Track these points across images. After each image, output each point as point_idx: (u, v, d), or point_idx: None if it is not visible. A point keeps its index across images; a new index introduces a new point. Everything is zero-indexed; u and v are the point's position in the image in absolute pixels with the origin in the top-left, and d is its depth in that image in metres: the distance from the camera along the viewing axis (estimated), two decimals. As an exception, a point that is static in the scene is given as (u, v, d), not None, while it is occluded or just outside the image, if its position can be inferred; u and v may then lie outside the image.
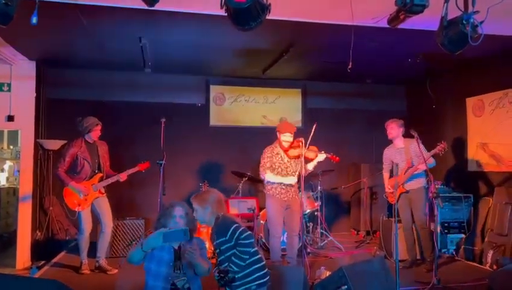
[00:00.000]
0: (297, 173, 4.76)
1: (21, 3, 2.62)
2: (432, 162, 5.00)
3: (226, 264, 2.93)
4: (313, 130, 4.62)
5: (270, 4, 2.49)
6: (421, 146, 4.82)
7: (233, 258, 2.91)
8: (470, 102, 6.29)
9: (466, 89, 6.37)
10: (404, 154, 5.14)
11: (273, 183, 4.70)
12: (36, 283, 3.30)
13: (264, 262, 3.05)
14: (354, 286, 3.42)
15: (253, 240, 3.00)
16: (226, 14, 2.58)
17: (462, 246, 5.79)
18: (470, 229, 5.87)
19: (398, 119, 5.29)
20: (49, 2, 3.69)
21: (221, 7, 2.43)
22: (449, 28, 2.74)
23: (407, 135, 5.19)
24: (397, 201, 5.20)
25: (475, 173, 6.16)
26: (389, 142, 6.00)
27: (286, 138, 4.72)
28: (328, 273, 4.09)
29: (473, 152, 6.21)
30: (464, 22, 2.61)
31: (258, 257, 3.03)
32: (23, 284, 3.10)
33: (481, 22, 2.64)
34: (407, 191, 5.11)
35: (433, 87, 7.14)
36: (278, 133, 4.81)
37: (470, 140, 6.28)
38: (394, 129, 5.21)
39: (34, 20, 2.45)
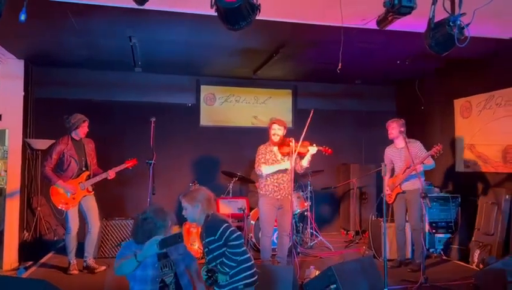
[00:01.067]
0: (290, 170, 4.75)
1: (9, 1, 2.61)
2: (431, 163, 5.03)
3: (214, 263, 2.93)
4: (310, 116, 4.60)
5: (260, 4, 2.51)
6: (415, 146, 4.95)
7: (224, 259, 2.89)
8: (458, 103, 6.38)
9: (454, 90, 6.45)
10: (404, 154, 5.13)
11: (268, 178, 4.70)
12: (24, 283, 3.29)
13: (252, 262, 3.04)
14: (343, 284, 3.45)
15: (243, 241, 3.00)
16: (216, 14, 2.59)
17: (450, 246, 5.87)
18: (457, 229, 5.95)
19: (399, 119, 5.27)
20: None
21: (212, 7, 2.44)
22: (436, 30, 2.78)
23: (416, 136, 5.28)
24: (394, 201, 5.26)
25: (462, 174, 6.24)
26: (378, 142, 6.06)
27: (275, 130, 4.74)
28: (317, 272, 4.11)
29: (461, 153, 6.29)
30: (451, 24, 2.65)
31: (246, 256, 3.02)
32: (11, 284, 3.09)
33: (467, 24, 2.69)
34: (403, 192, 5.14)
35: (422, 88, 7.22)
36: (268, 131, 4.84)
37: (457, 141, 6.37)
38: (395, 129, 5.19)
39: (23, 17, 2.43)
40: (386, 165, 3.79)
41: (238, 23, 2.51)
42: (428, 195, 5.81)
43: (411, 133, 6.83)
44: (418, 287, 4.22)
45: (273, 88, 7.64)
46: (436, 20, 2.81)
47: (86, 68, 6.71)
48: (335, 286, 3.46)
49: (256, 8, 2.49)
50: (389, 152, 5.40)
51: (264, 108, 7.62)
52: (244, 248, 3.00)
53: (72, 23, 4.43)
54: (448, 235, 5.99)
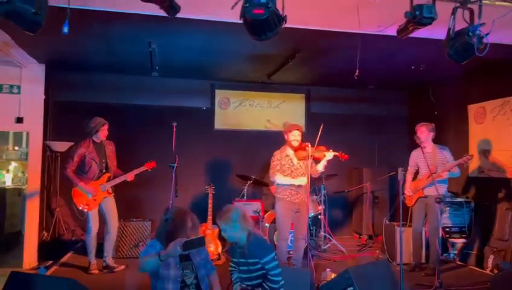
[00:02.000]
0: (306, 175, 4.83)
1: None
2: (456, 171, 5.04)
3: (250, 283, 3.04)
4: (320, 130, 4.69)
5: (286, 15, 2.59)
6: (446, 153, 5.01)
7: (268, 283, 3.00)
8: (472, 109, 6.40)
9: (468, 96, 6.48)
10: (430, 159, 5.08)
11: (283, 185, 4.77)
12: (53, 281, 3.40)
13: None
14: (360, 287, 3.50)
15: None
16: (235, 21, 2.66)
17: (464, 251, 5.88)
18: (471, 234, 5.96)
19: (429, 123, 5.26)
20: (61, 7, 3.79)
21: (240, 18, 2.53)
22: (456, 40, 2.84)
23: (436, 140, 5.27)
24: (414, 204, 5.28)
25: (477, 179, 6.25)
26: (391, 146, 6.12)
27: (295, 136, 4.81)
28: (333, 275, 4.17)
29: (475, 158, 6.30)
30: (470, 33, 2.72)
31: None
32: (40, 281, 3.21)
33: (487, 34, 2.75)
34: (425, 196, 5.11)
35: (435, 93, 7.25)
36: (285, 135, 4.90)
37: (471, 147, 6.38)
38: (424, 133, 5.17)
39: (66, 29, 2.54)
40: (402, 170, 3.82)
41: (265, 33, 2.60)
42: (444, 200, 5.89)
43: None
44: (433, 292, 4.27)
45: (286, 92, 7.72)
46: (456, 29, 2.88)
47: (104, 72, 6.86)
48: (352, 288, 3.51)
49: (282, 19, 2.57)
50: (416, 155, 5.39)
51: (278, 112, 7.70)
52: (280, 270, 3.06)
53: (93, 30, 4.55)
54: (462, 240, 6.00)
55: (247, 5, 2.44)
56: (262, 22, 2.48)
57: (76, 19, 4.22)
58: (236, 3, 2.50)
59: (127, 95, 7.04)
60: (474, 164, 6.31)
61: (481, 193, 6.11)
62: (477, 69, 5.93)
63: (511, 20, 3.42)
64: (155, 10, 3.05)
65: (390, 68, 6.31)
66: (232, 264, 3.22)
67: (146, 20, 4.16)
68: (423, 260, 5.45)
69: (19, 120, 6.00)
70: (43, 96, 6.19)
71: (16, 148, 8.27)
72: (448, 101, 6.98)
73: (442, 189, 5.05)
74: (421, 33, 4.26)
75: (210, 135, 7.36)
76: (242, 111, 7.59)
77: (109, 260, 5.12)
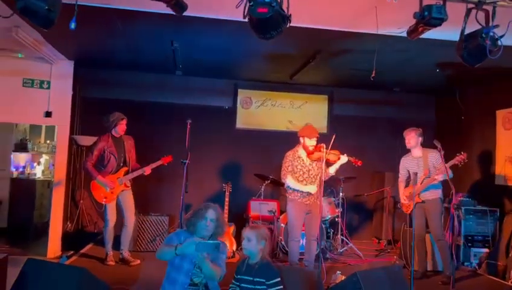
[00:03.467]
0: (317, 179, 4.81)
1: (63, 8, 2.85)
2: (449, 172, 4.90)
3: None
4: (332, 140, 4.68)
5: (290, 14, 2.61)
6: (438, 156, 4.83)
7: None
8: (500, 114, 6.19)
9: (496, 101, 6.27)
10: (421, 164, 5.06)
11: (293, 189, 4.78)
12: (67, 269, 3.55)
13: None
14: (368, 291, 3.46)
15: None
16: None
17: (486, 261, 5.69)
18: (495, 244, 5.76)
19: (417, 128, 5.22)
20: (88, 6, 3.94)
21: (244, 17, 2.56)
22: (469, 42, 2.77)
23: (429, 145, 5.15)
24: (412, 211, 5.17)
25: (502, 187, 6.04)
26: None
27: (313, 142, 4.81)
28: (343, 277, 4.13)
29: (501, 166, 6.09)
30: (484, 35, 2.64)
31: None
32: (55, 269, 3.35)
33: (501, 36, 2.66)
34: (422, 202, 5.02)
35: (463, 98, 7.05)
36: (302, 138, 4.88)
37: (498, 153, 6.17)
38: (413, 138, 5.15)
39: (73, 25, 2.65)
40: (416, 174, 3.75)
41: (269, 32, 2.62)
42: (462, 207, 5.73)
43: (450, 143, 6.70)
44: (447, 300, 4.16)
45: (309, 93, 7.69)
46: (470, 31, 2.80)
47: (130, 70, 7.05)
48: (360, 292, 3.47)
49: (286, 18, 2.59)
50: (405, 161, 5.33)
51: (300, 113, 7.67)
52: None
53: (118, 28, 4.70)
54: (484, 250, 5.81)
55: (251, 4, 2.47)
56: (266, 21, 2.51)
57: (100, 17, 4.43)
58: (241, 2, 2.53)
59: (151, 93, 7.20)
60: (500, 172, 6.10)
61: (507, 202, 5.90)
62: (506, 73, 5.72)
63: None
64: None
65: (415, 71, 6.18)
66: (235, 282, 3.23)
67: (166, 19, 4.26)
68: (430, 268, 5.31)
69: (48, 114, 6.25)
70: (71, 92, 6.42)
71: (48, 141, 8.61)
72: (476, 106, 6.78)
73: (437, 193, 4.97)
74: (443, 35, 4.19)
75: (231, 134, 7.43)
76: (264, 111, 7.62)
77: (125, 253, 5.26)
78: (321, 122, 7.69)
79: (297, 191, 4.76)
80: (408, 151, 5.32)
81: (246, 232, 3.19)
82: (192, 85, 7.30)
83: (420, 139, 5.15)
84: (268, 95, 7.63)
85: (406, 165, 5.32)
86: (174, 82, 7.17)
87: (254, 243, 3.13)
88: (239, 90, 7.55)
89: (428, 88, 7.46)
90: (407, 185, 5.32)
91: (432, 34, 3.28)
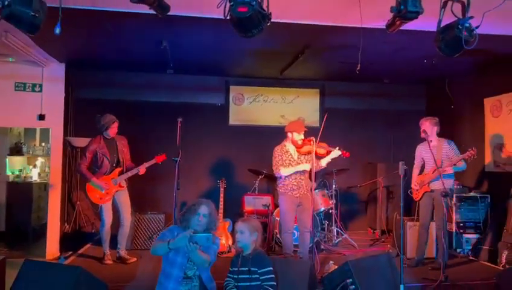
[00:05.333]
0: (309, 165, 4.88)
1: (52, 11, 2.90)
2: (461, 165, 4.99)
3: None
4: (324, 120, 4.75)
5: (270, 13, 2.67)
6: (451, 146, 4.98)
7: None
8: (488, 102, 6.27)
9: (484, 89, 6.35)
10: (435, 153, 5.01)
11: (287, 178, 4.84)
12: (63, 269, 3.62)
13: None
14: (359, 280, 3.54)
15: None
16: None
17: (478, 246, 5.79)
18: (486, 229, 5.86)
19: (433, 117, 5.23)
20: (76, 9, 3.99)
21: (225, 16, 2.62)
22: (446, 33, 2.84)
23: (446, 135, 5.24)
24: (420, 199, 5.25)
25: (492, 174, 6.14)
26: (407, 141, 6.06)
27: (301, 136, 4.89)
28: (335, 267, 4.22)
29: (491, 152, 6.19)
30: (460, 26, 2.71)
31: None
32: (51, 269, 3.42)
33: (477, 27, 2.73)
34: (431, 191, 5.07)
35: (452, 87, 7.13)
36: (290, 133, 4.95)
37: (487, 140, 6.26)
38: (428, 127, 5.13)
39: (58, 30, 2.70)
40: (403, 164, 3.82)
41: (250, 30, 2.69)
42: (454, 195, 5.82)
43: (441, 133, 6.76)
44: (437, 286, 4.25)
45: (300, 88, 7.75)
46: (446, 22, 2.87)
47: (122, 70, 7.09)
48: (351, 280, 3.55)
49: (266, 17, 2.65)
50: (421, 149, 5.35)
51: (292, 107, 7.74)
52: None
53: (107, 29, 4.74)
54: (477, 236, 5.92)
55: (232, 3, 2.53)
56: (246, 20, 2.57)
57: (88, 19, 4.47)
58: (221, 2, 2.59)
59: (144, 92, 7.25)
60: (489, 158, 6.19)
61: (497, 188, 6.00)
62: (493, 61, 5.81)
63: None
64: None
65: (403, 62, 6.24)
66: (230, 275, 3.30)
67: (154, 19, 4.30)
68: (427, 255, 5.39)
69: (41, 117, 6.28)
70: (64, 94, 6.46)
71: (43, 144, 8.64)
72: (464, 94, 6.86)
73: (449, 183, 4.98)
74: (428, 26, 4.26)
75: (224, 131, 7.49)
76: (256, 107, 7.68)
77: (122, 251, 5.33)
78: (313, 116, 7.77)
79: (290, 180, 4.82)
80: (418, 140, 5.33)
81: (238, 226, 3.28)
82: (184, 83, 7.36)
83: (436, 128, 5.15)
84: (260, 91, 7.68)
85: (421, 153, 5.34)
86: (165, 81, 7.21)
87: (247, 235, 3.22)
88: (231, 87, 7.60)
89: (418, 78, 7.53)
90: (421, 173, 5.36)
91: (417, 25, 3.34)
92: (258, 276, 3.14)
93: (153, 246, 3.22)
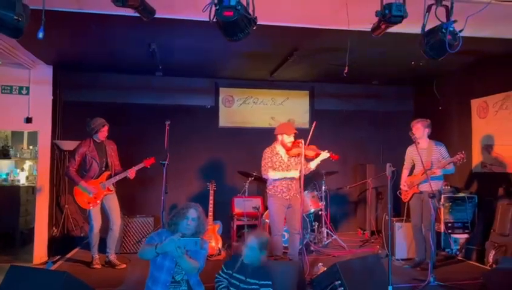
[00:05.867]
0: (298, 169, 4.89)
1: (38, 14, 2.87)
2: (450, 168, 5.02)
3: None
4: (312, 128, 4.77)
5: (256, 17, 2.67)
6: (441, 150, 4.99)
7: None
8: (475, 103, 6.34)
9: (471, 90, 6.42)
10: (425, 155, 5.04)
11: (276, 180, 4.84)
12: (48, 274, 3.58)
13: None
14: (347, 281, 3.56)
15: None
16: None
17: (466, 246, 5.85)
18: (474, 229, 5.92)
19: (425, 120, 5.25)
20: (62, 11, 3.96)
21: (210, 20, 2.62)
22: (430, 36, 2.87)
23: (433, 136, 5.27)
24: (409, 200, 5.28)
25: (479, 174, 6.21)
26: (396, 142, 6.11)
27: (291, 138, 4.90)
28: (324, 269, 4.23)
29: (478, 153, 6.25)
30: (444, 30, 2.74)
31: None
32: (37, 275, 3.38)
33: (460, 30, 2.77)
34: (421, 192, 5.10)
35: (439, 88, 7.20)
36: (280, 136, 4.95)
37: (474, 141, 6.33)
38: (419, 129, 5.16)
39: (41, 35, 2.68)
40: (390, 165, 3.85)
41: (236, 34, 2.70)
42: (442, 195, 5.86)
43: (430, 134, 6.82)
44: (425, 286, 4.28)
45: (290, 89, 7.78)
46: (431, 26, 2.90)
47: (110, 73, 7.06)
48: (340, 282, 3.57)
49: (252, 21, 2.65)
50: (410, 151, 5.38)
51: (282, 109, 7.76)
52: None
53: (94, 32, 4.72)
54: (465, 236, 5.97)
55: (217, 7, 2.53)
56: (232, 24, 2.57)
57: (75, 22, 4.44)
58: (207, 6, 2.59)
59: (133, 94, 7.21)
60: (477, 159, 6.26)
61: (484, 188, 6.07)
62: (479, 63, 5.88)
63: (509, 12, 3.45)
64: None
65: (392, 64, 6.30)
66: (223, 275, 3.29)
67: (141, 22, 4.28)
68: (409, 256, 5.46)
69: (28, 120, 6.23)
70: (51, 97, 6.41)
71: (31, 147, 8.55)
72: (452, 96, 6.93)
73: (438, 185, 5.03)
74: (415, 29, 4.30)
75: (214, 133, 7.48)
76: (246, 109, 7.68)
77: (111, 256, 5.29)
78: (303, 118, 7.80)
79: (279, 181, 4.82)
80: (406, 142, 5.34)
81: (250, 241, 3.25)
82: (173, 85, 7.33)
83: (427, 130, 5.18)
84: (249, 93, 7.69)
85: (411, 154, 5.36)
86: (155, 83, 7.18)
87: (256, 252, 3.22)
88: (220, 89, 7.60)
89: (406, 80, 7.60)
90: (410, 174, 5.38)
91: (404, 27, 3.37)
92: (257, 287, 3.14)
93: (140, 250, 3.20)
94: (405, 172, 5.42)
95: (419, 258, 5.27)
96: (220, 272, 3.33)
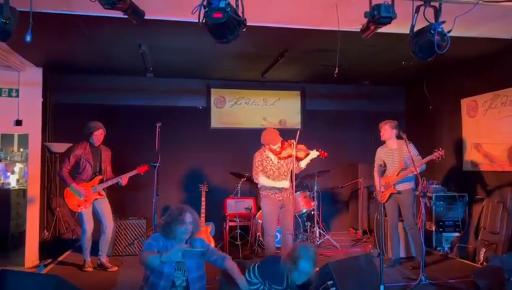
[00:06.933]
0: (289, 174, 4.90)
1: (26, 15, 2.84)
2: (423, 165, 5.03)
3: None
4: (297, 136, 4.75)
5: (245, 19, 2.67)
6: (411, 148, 4.87)
7: None
8: (465, 103, 6.40)
9: (461, 90, 6.48)
10: (397, 155, 5.15)
11: (267, 187, 4.86)
12: (39, 278, 3.55)
13: None
14: (339, 281, 3.57)
15: None
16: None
17: (457, 245, 5.90)
18: (465, 227, 5.98)
19: (392, 120, 5.30)
20: (51, 13, 3.93)
21: (199, 22, 2.62)
22: (419, 37, 2.90)
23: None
24: (387, 200, 5.31)
25: (470, 173, 6.26)
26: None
27: (278, 144, 4.83)
28: (316, 269, 4.23)
29: (468, 152, 6.32)
30: (432, 31, 2.76)
31: None
32: (27, 279, 3.34)
33: (449, 31, 2.79)
34: (398, 193, 5.15)
35: (430, 88, 7.24)
36: (267, 145, 4.90)
37: (464, 140, 6.39)
38: (387, 130, 5.23)
39: (28, 38, 2.66)
40: (381, 165, 3.88)
41: (226, 36, 2.70)
42: (434, 194, 5.92)
43: (420, 133, 6.90)
44: (417, 285, 4.31)
45: (281, 90, 7.79)
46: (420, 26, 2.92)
47: (101, 74, 7.02)
48: (332, 282, 3.58)
49: (241, 23, 2.66)
50: (381, 153, 5.41)
51: (273, 110, 7.78)
52: None
53: (84, 34, 4.69)
54: (456, 234, 6.02)
55: (207, 9, 2.53)
56: (221, 26, 2.58)
57: (65, 24, 4.41)
58: (196, 8, 2.59)
59: (124, 96, 7.18)
60: (467, 158, 6.32)
61: (474, 187, 6.12)
62: (469, 62, 5.94)
63: (499, 12, 3.49)
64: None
65: (382, 64, 6.33)
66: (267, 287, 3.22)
67: (131, 23, 4.26)
68: (402, 255, 5.49)
69: (18, 123, 6.16)
70: (41, 99, 6.35)
71: (21, 150, 8.47)
72: (442, 95, 6.98)
73: (411, 184, 5.10)
74: (404, 29, 4.33)
75: (206, 134, 7.47)
76: (238, 109, 7.68)
77: (103, 259, 5.26)
78: (295, 118, 7.82)
79: (270, 188, 4.84)
80: (384, 142, 5.38)
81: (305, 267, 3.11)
82: (165, 87, 7.32)
83: (395, 131, 5.21)
84: (241, 94, 7.69)
85: (382, 156, 5.39)
86: (145, 84, 7.16)
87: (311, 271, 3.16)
88: (212, 90, 7.59)
89: (397, 80, 7.64)
90: (382, 175, 5.43)
91: (394, 29, 3.40)
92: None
93: (143, 258, 3.05)
94: (376, 175, 5.40)
95: (395, 258, 5.32)
96: (265, 284, 3.23)
